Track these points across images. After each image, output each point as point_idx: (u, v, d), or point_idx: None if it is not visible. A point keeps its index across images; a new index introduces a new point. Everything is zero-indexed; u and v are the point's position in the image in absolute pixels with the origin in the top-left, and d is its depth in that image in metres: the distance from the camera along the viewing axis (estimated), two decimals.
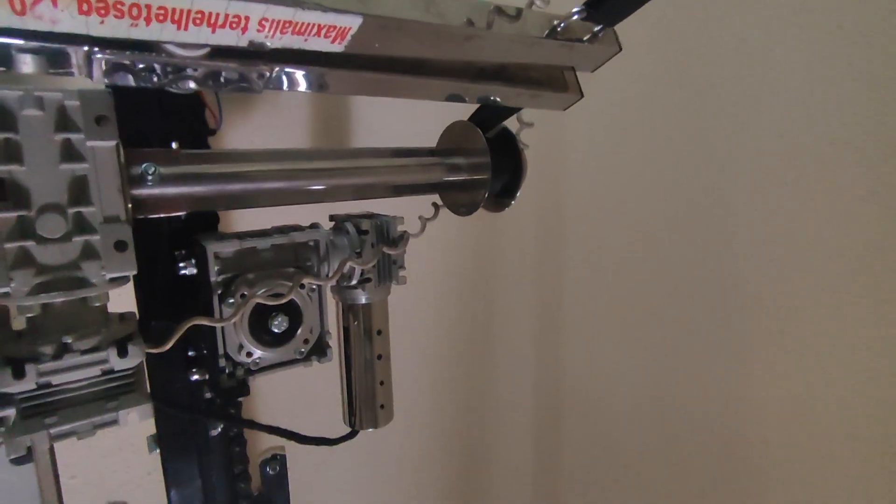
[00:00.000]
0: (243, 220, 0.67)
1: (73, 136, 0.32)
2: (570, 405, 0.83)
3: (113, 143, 0.33)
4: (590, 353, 0.81)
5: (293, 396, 0.78)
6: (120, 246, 0.33)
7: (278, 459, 0.62)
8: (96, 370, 0.34)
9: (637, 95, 0.78)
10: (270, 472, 0.62)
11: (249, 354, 0.52)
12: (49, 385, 0.33)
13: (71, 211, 0.32)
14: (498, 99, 0.47)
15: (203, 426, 0.59)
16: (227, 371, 0.53)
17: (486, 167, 0.56)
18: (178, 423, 0.56)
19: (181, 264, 0.47)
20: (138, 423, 0.35)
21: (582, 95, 0.49)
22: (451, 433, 1.01)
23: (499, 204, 0.59)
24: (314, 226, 0.53)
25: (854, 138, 0.63)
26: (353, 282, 0.57)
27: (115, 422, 0.35)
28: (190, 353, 0.55)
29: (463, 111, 0.56)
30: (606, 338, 0.79)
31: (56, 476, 0.48)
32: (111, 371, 0.35)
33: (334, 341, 0.61)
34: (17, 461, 0.47)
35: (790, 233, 0.61)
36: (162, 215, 0.45)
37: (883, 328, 0.52)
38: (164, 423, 0.56)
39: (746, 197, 0.65)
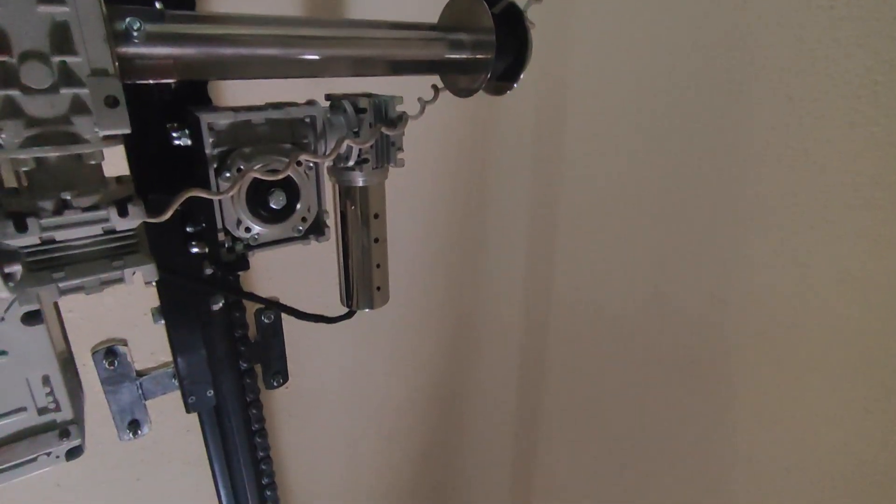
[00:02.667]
0: (234, 100, 0.65)
1: None
2: (561, 297, 0.86)
3: None
4: (583, 246, 0.82)
5: (293, 277, 0.80)
6: (110, 101, 0.32)
7: (273, 306, 0.64)
8: (98, 229, 0.34)
9: None
10: (266, 321, 0.64)
11: (248, 230, 0.52)
12: (53, 241, 0.33)
13: (55, 59, 0.31)
14: None
15: (205, 300, 0.61)
16: (226, 245, 0.54)
17: (490, 46, 0.53)
18: (181, 296, 0.58)
19: (175, 134, 0.46)
20: (144, 283, 0.36)
21: None
22: (443, 314, 1.06)
23: (500, 87, 0.57)
24: (310, 102, 0.51)
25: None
26: (351, 163, 0.56)
27: (120, 279, 0.36)
28: (189, 230, 0.55)
29: None
30: (603, 232, 0.80)
31: (65, 335, 0.50)
32: (113, 231, 0.35)
33: (332, 223, 0.62)
34: (29, 321, 0.49)
35: (799, 134, 0.60)
36: (151, 81, 0.43)
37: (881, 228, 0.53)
38: (166, 296, 0.57)
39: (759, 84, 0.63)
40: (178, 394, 0.61)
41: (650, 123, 0.70)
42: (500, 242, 0.98)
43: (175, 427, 0.78)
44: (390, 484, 1.19)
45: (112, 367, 0.55)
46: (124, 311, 0.64)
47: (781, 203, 0.58)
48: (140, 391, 0.58)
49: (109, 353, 0.55)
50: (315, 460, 1.00)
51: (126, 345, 0.56)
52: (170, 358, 0.58)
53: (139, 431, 0.59)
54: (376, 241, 0.61)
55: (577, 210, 0.82)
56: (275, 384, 0.65)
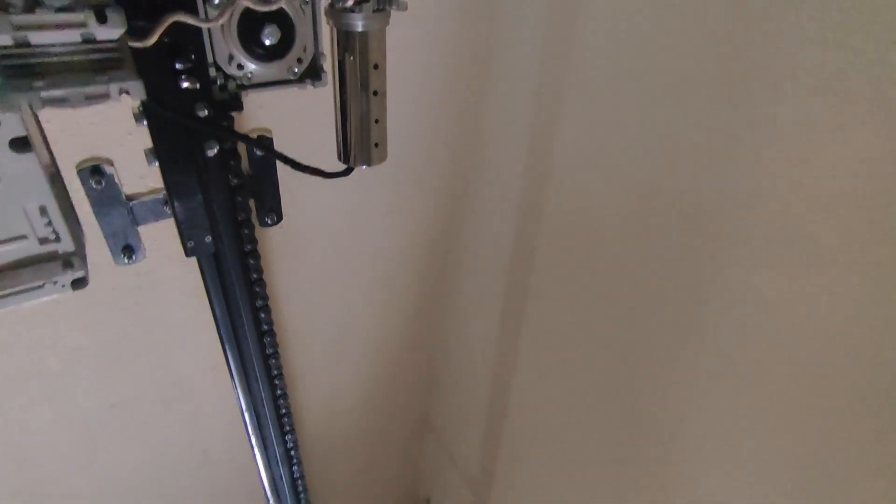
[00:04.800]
0: None
1: None
2: (567, 150, 0.84)
3: None
4: (593, 109, 0.79)
5: (290, 127, 0.78)
6: None
7: (266, 141, 0.64)
8: (76, 35, 0.32)
9: None
10: (258, 153, 0.64)
11: (240, 67, 0.50)
12: (28, 44, 0.31)
13: None
14: None
15: (200, 146, 0.59)
16: (218, 83, 0.52)
17: None
18: (175, 138, 0.56)
19: None
20: (132, 101, 0.35)
21: None
22: (443, 171, 1.05)
23: None
24: None
25: None
26: (349, 2, 0.52)
27: (106, 95, 0.34)
28: (179, 66, 0.52)
29: None
30: (607, 106, 0.77)
31: (54, 160, 0.50)
32: (93, 40, 0.33)
33: (329, 73, 0.59)
34: (18, 148, 0.48)
35: None
36: None
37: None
38: (160, 136, 0.56)
39: None
40: (170, 222, 0.62)
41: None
42: (504, 99, 0.94)
43: (171, 257, 0.80)
44: (383, 334, 1.26)
45: (99, 187, 0.55)
46: (107, 127, 0.62)
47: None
48: (131, 216, 0.59)
49: (95, 171, 0.54)
50: (309, 306, 1.04)
51: (112, 165, 0.56)
52: (160, 184, 0.58)
53: (133, 256, 0.61)
54: (375, 94, 0.58)
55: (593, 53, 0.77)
56: (268, 221, 0.66)
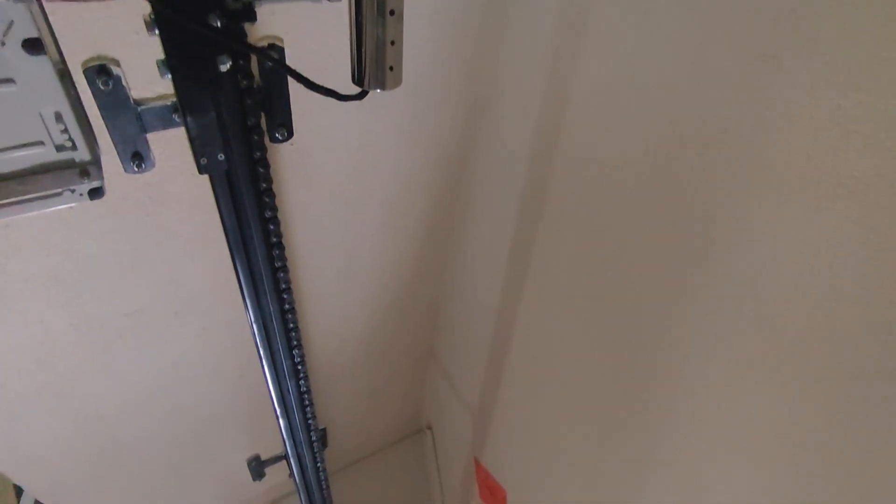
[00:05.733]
0: None
1: None
2: (586, 75, 0.82)
3: None
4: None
5: (304, 44, 0.76)
6: None
7: (277, 49, 0.63)
8: None
9: None
10: (269, 63, 0.63)
11: None
12: None
13: None
14: None
15: (213, 59, 0.58)
16: None
17: None
18: (187, 49, 0.55)
19: None
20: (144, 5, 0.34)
21: None
22: (459, 92, 1.03)
23: None
24: None
25: None
26: None
27: None
28: None
29: None
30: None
31: (63, 61, 0.49)
32: None
33: None
34: (31, 49, 0.48)
35: None
36: None
37: None
38: (172, 46, 0.55)
39: None
40: (179, 132, 0.62)
41: None
42: (525, 20, 0.91)
43: (181, 169, 0.80)
44: (392, 261, 1.29)
45: (107, 89, 0.55)
46: (112, 25, 0.60)
47: None
48: (140, 122, 0.59)
49: (102, 71, 0.54)
50: (319, 228, 1.06)
51: (119, 66, 0.55)
52: (170, 90, 0.57)
53: (143, 165, 0.61)
54: (392, 13, 0.57)
55: None
56: (279, 137, 0.66)
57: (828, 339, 0.60)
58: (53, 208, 0.58)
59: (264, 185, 0.69)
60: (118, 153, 0.63)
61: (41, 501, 1.15)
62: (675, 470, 0.86)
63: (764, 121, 0.60)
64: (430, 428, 1.98)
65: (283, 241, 0.76)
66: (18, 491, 1.41)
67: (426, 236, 1.30)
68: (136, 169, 0.65)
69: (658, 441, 0.88)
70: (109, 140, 0.61)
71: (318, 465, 1.24)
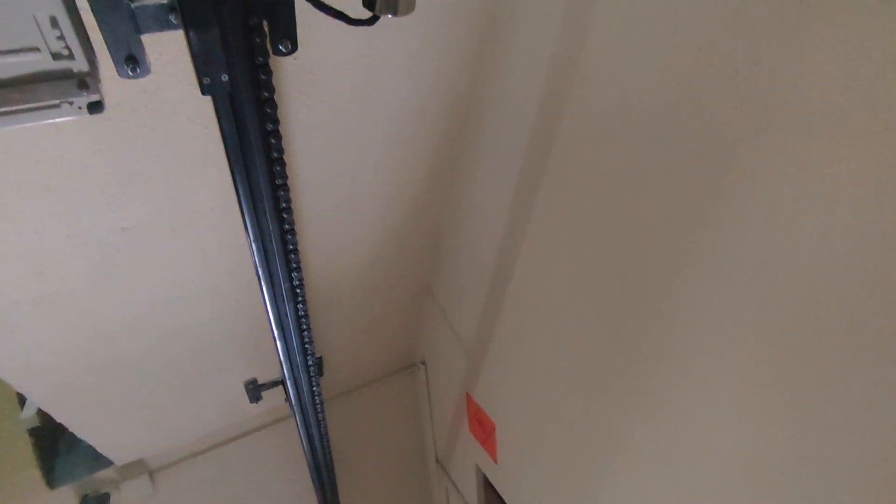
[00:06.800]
0: None
1: None
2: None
3: None
4: None
5: None
6: None
7: None
8: None
9: None
10: None
11: None
12: None
13: None
14: None
15: None
16: None
17: None
18: None
19: None
20: None
21: None
22: (471, 24, 0.98)
23: None
24: None
25: None
26: None
27: None
28: None
29: None
30: None
31: None
32: None
33: None
34: None
35: None
36: None
37: None
38: None
39: None
40: (176, 37, 0.58)
41: None
42: None
43: (180, 77, 0.77)
44: (395, 193, 1.26)
45: None
46: None
47: None
48: (133, 22, 0.55)
49: None
50: (322, 153, 1.02)
51: None
52: None
53: (137, 69, 0.58)
54: None
55: None
56: (282, 49, 0.62)
57: (829, 285, 0.59)
58: (52, 120, 0.55)
59: (266, 95, 0.65)
60: (111, 55, 0.59)
61: (43, 409, 1.18)
62: (662, 410, 0.88)
63: (798, 53, 0.57)
64: (423, 363, 2.03)
65: (284, 157, 0.73)
66: (21, 400, 1.44)
67: (429, 169, 1.27)
68: (130, 73, 0.61)
69: (647, 382, 0.89)
70: (99, 41, 0.57)
71: (314, 389, 1.27)
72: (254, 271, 0.92)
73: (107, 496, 1.58)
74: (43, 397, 1.15)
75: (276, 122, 0.69)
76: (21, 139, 0.75)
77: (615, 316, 0.93)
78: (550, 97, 0.93)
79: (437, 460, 2.27)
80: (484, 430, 1.63)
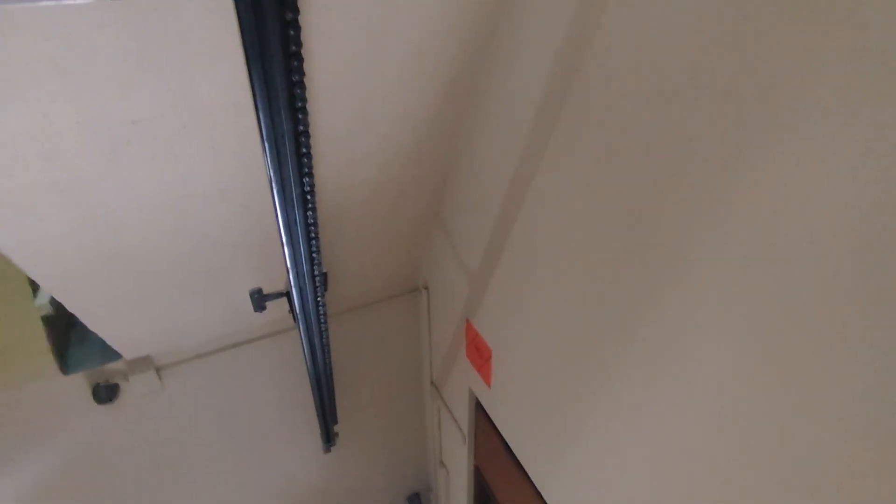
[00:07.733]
0: None
1: None
2: None
3: None
4: None
5: None
6: None
7: None
8: None
9: None
10: None
11: None
12: None
13: None
14: None
15: None
16: None
17: None
18: None
19: None
20: None
21: None
22: None
23: None
24: None
25: None
26: None
27: None
28: None
29: None
30: None
31: None
32: None
33: None
34: None
35: None
36: None
37: None
38: None
39: None
40: None
41: None
42: None
43: None
44: (410, 112, 1.22)
45: None
46: None
47: None
48: None
49: None
50: (339, 62, 0.97)
51: None
52: None
53: None
54: None
55: None
56: None
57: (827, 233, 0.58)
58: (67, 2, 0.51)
59: None
60: None
61: (54, 296, 1.21)
62: (657, 342, 0.89)
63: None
64: (426, 288, 2.05)
65: (302, 51, 0.69)
66: (35, 289, 1.48)
67: (447, 92, 1.23)
68: None
69: (644, 318, 0.90)
70: None
71: (319, 300, 1.29)
72: (265, 173, 0.90)
73: (116, 387, 1.66)
74: (53, 283, 1.17)
75: (295, 10, 0.65)
76: (29, 11, 0.71)
77: (622, 252, 0.93)
78: (576, 28, 0.88)
79: (432, 382, 2.36)
80: (481, 355, 1.68)
